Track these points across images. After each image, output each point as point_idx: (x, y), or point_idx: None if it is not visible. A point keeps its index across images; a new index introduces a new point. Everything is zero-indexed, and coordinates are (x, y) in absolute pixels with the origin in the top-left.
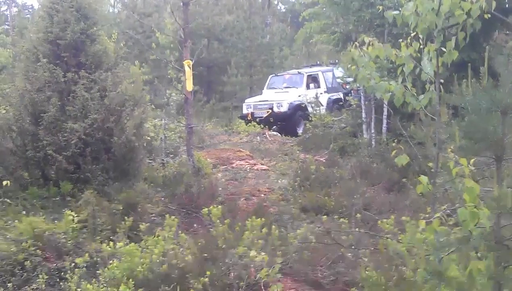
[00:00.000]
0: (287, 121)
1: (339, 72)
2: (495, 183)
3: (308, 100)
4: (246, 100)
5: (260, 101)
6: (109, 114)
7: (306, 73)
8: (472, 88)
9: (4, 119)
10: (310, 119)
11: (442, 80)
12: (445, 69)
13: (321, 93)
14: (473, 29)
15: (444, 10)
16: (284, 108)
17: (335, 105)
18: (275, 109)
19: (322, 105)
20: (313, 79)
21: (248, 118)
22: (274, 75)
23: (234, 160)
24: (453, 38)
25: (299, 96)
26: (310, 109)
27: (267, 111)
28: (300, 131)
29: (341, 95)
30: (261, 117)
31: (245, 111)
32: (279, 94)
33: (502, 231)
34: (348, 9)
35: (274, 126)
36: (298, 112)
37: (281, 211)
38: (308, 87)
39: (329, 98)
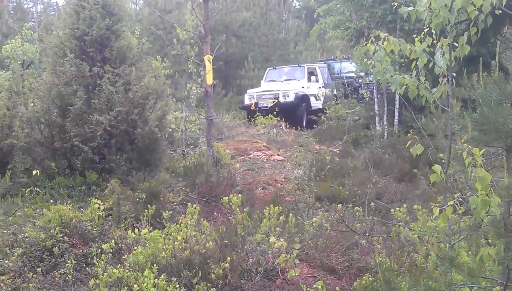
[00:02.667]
0: (293, 112)
1: (352, 66)
2: (505, 172)
3: (310, 93)
4: (248, 91)
5: (264, 91)
6: (133, 107)
7: (306, 66)
8: (483, 82)
9: (33, 112)
10: (313, 111)
11: (454, 74)
12: (456, 63)
13: (319, 88)
14: (485, 24)
15: (457, 6)
16: (291, 98)
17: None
18: (281, 99)
19: (321, 100)
20: (312, 73)
21: (252, 109)
22: (272, 68)
23: (252, 151)
24: (465, 33)
25: (303, 87)
26: (313, 101)
27: (273, 101)
28: (304, 123)
29: (335, 92)
30: (266, 107)
31: (247, 101)
32: (283, 85)
33: (511, 218)
34: (362, 6)
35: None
36: (303, 103)
37: (297, 200)
38: (309, 80)
39: (326, 94)
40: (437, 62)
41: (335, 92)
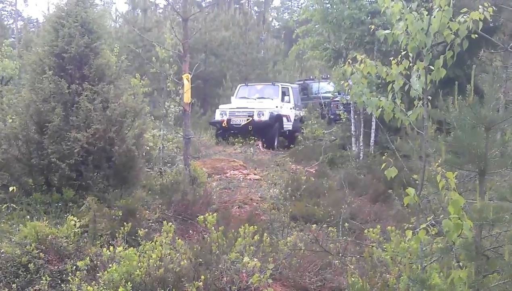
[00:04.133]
0: (266, 132)
1: (330, 86)
2: (478, 195)
3: (283, 113)
4: (220, 106)
5: (238, 108)
6: (111, 124)
7: (280, 85)
8: (458, 105)
9: (11, 128)
10: (283, 132)
11: (429, 97)
12: (432, 85)
13: (290, 109)
14: (461, 48)
15: (433, 30)
16: (266, 117)
17: (299, 124)
18: (255, 117)
19: (291, 121)
20: (284, 93)
21: (224, 125)
22: (244, 85)
23: (228, 170)
24: (441, 56)
25: (277, 107)
26: (285, 121)
27: (247, 119)
28: (275, 143)
29: (303, 114)
30: (239, 125)
31: (218, 117)
32: (257, 103)
33: (483, 241)
34: (340, 27)
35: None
36: (276, 123)
37: (272, 219)
38: (282, 99)
39: (296, 115)
40: (413, 85)
41: (307, 112)
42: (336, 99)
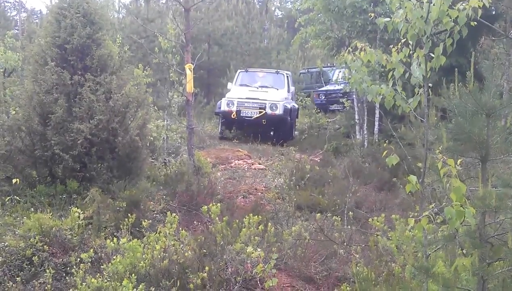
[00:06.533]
0: (281, 125)
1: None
2: (480, 182)
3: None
4: (227, 95)
5: (248, 98)
6: (114, 115)
7: (286, 74)
8: (459, 92)
9: (14, 120)
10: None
11: (431, 84)
12: (435, 73)
13: (286, 98)
14: (460, 35)
15: (433, 18)
16: (280, 111)
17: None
18: (268, 110)
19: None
20: (288, 83)
21: (233, 117)
22: (243, 70)
23: (233, 160)
24: (441, 44)
25: (286, 98)
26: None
27: (259, 112)
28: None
29: (296, 105)
30: (250, 117)
31: (224, 108)
32: (268, 94)
33: (487, 228)
34: (342, 16)
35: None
36: (289, 116)
37: (277, 209)
38: (288, 90)
39: (293, 106)
40: (413, 73)
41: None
42: (320, 89)
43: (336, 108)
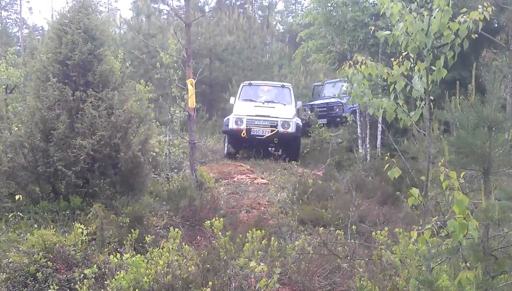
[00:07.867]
0: (292, 144)
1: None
2: (483, 195)
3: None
4: (235, 111)
5: (258, 115)
6: (116, 131)
7: (291, 88)
8: (461, 105)
9: (16, 136)
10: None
11: (433, 97)
12: (437, 87)
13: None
14: (462, 48)
15: (433, 30)
16: (292, 129)
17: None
18: (280, 128)
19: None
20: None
21: (243, 135)
22: (247, 84)
23: (235, 174)
24: (442, 57)
25: (295, 115)
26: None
27: (271, 130)
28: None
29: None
30: (262, 136)
31: (233, 126)
32: (278, 111)
33: (490, 241)
34: (343, 30)
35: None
36: (299, 134)
37: (280, 223)
38: (296, 105)
39: (297, 123)
40: (414, 86)
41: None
42: (308, 103)
43: (322, 122)
